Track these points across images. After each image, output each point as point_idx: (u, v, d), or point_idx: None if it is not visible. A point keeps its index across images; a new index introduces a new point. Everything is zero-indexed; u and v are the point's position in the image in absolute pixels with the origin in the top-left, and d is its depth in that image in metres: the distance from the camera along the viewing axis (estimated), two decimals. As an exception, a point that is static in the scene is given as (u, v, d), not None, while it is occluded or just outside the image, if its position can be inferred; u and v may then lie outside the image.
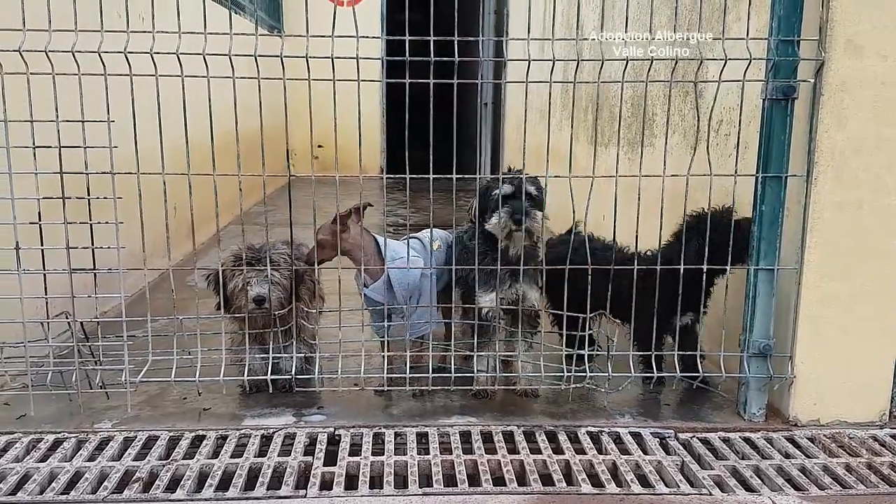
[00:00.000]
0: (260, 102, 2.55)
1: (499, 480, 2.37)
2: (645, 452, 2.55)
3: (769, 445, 2.61)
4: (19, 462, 2.41)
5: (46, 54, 2.41)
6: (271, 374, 2.83)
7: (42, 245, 2.64)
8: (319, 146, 10.35)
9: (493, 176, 2.85)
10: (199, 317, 2.72)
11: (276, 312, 2.85)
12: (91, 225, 2.64)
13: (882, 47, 2.52)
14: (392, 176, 3.24)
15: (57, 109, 2.51)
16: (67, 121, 2.52)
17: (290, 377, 2.97)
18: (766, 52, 2.58)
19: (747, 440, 2.65)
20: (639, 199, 2.65)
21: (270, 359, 2.89)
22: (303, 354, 3.03)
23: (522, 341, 2.97)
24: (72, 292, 2.63)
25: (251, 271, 2.82)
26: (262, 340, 2.99)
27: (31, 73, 2.43)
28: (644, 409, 2.89)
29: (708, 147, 2.58)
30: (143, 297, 2.77)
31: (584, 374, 2.76)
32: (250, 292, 2.81)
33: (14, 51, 2.40)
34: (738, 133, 2.66)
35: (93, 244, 2.65)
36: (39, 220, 2.63)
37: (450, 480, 2.37)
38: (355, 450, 2.55)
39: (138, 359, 2.75)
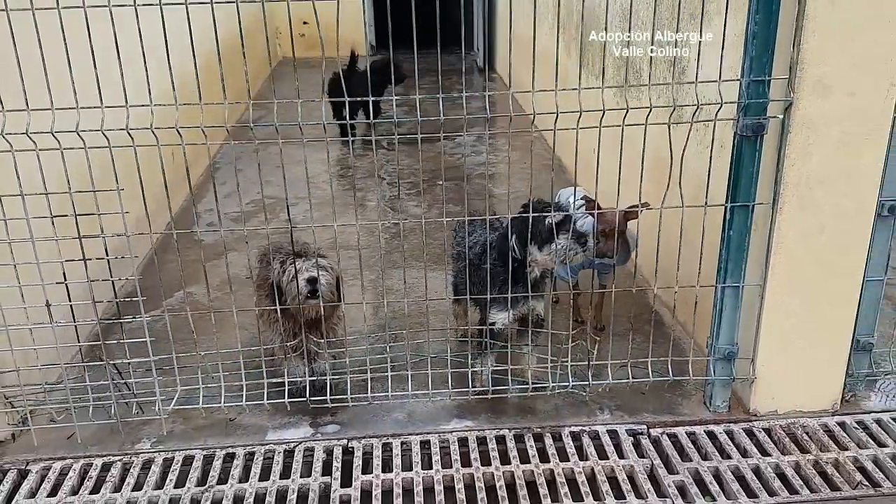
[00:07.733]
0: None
1: (491, 489, 2.76)
2: (620, 456, 2.91)
3: (730, 441, 2.97)
4: (76, 495, 2.78)
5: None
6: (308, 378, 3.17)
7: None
8: (304, 23, 10.16)
9: (540, 200, 2.93)
10: (217, 336, 3.01)
11: (326, 302, 3.01)
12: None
13: (850, 85, 2.61)
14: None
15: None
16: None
17: (324, 378, 3.19)
18: (738, 88, 2.66)
19: (710, 434, 3.01)
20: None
21: (306, 366, 3.19)
22: (334, 360, 3.29)
23: (527, 345, 3.22)
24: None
25: (300, 261, 2.97)
26: (298, 348, 3.17)
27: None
28: (621, 401, 3.22)
29: (680, 182, 2.72)
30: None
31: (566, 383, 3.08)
32: (302, 276, 2.95)
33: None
34: (710, 167, 2.81)
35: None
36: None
37: (449, 492, 2.76)
38: (367, 458, 2.92)
39: (168, 384, 3.07)
